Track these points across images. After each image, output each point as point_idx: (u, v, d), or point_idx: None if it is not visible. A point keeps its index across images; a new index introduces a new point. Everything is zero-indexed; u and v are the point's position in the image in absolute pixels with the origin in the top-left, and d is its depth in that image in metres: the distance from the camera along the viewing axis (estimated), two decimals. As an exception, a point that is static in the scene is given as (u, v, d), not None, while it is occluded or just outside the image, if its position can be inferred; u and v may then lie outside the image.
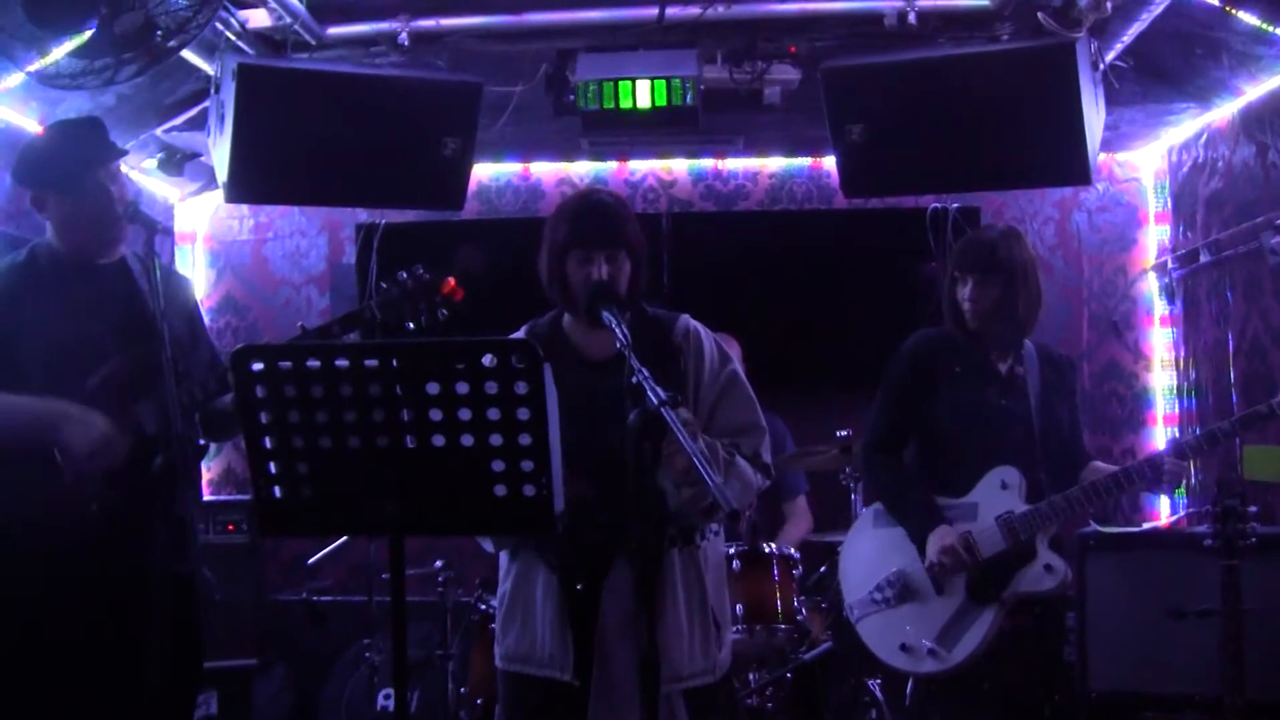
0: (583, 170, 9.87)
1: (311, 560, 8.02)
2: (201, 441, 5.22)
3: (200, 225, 9.95)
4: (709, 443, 4.40)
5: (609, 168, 9.85)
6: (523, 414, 3.39)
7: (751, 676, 6.74)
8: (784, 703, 6.85)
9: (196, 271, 9.77)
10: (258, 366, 3.46)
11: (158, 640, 4.55)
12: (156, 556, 4.51)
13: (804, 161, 9.74)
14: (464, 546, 7.95)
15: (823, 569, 7.41)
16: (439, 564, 7.53)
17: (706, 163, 9.80)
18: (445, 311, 5.05)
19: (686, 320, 4.77)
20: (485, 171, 9.66)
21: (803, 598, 6.89)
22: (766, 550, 6.74)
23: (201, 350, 5.26)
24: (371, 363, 3.40)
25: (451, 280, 5.04)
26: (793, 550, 6.92)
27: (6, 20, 5.12)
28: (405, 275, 5.04)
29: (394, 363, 3.40)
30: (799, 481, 8.25)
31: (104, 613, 4.63)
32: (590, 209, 4.68)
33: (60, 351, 4.75)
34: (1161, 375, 9.33)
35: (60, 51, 5.41)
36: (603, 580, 4.55)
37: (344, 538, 7.77)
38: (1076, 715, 6.17)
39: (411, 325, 5.01)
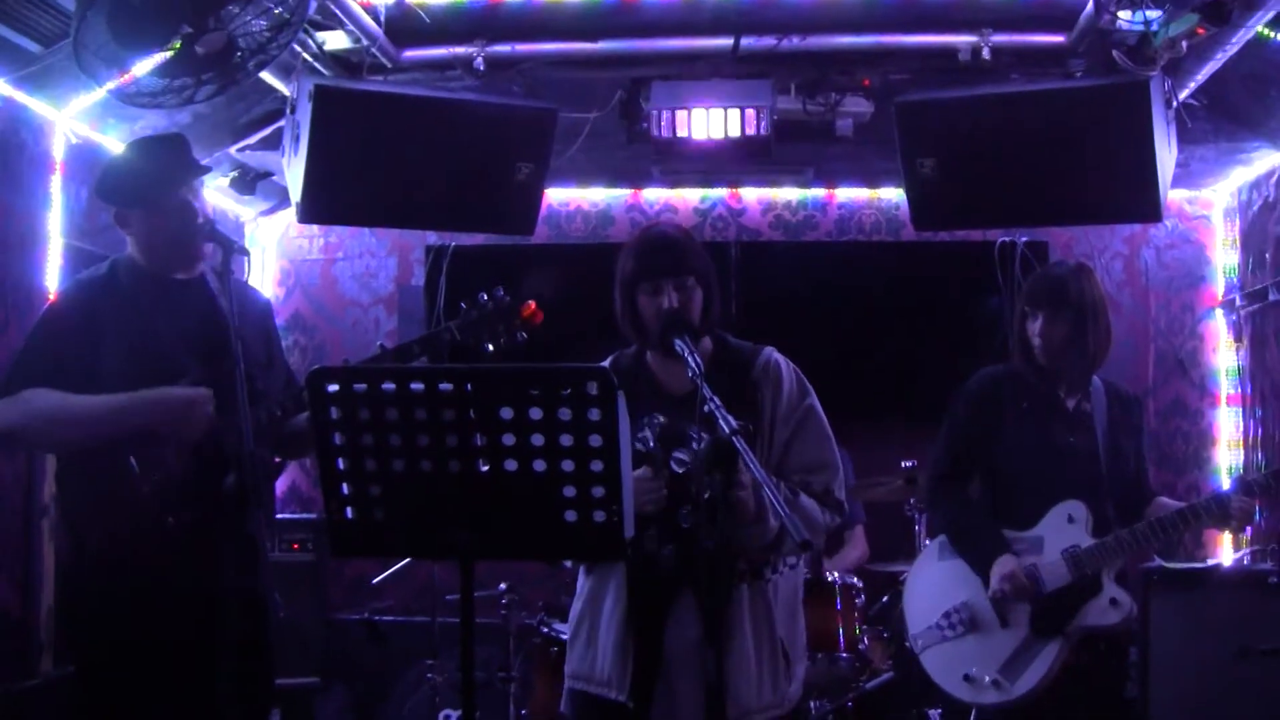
0: (653, 197, 9.92)
1: (376, 580, 8.05)
2: (276, 460, 5.25)
3: (271, 244, 10.03)
4: (773, 481, 4.38)
5: (679, 195, 9.88)
6: (595, 440, 3.38)
7: (813, 705, 6.75)
8: (845, 732, 6.87)
9: (265, 290, 9.81)
10: (333, 388, 3.48)
11: (228, 658, 4.58)
12: (227, 574, 4.54)
13: (873, 193, 9.77)
14: (528, 570, 8.00)
15: (885, 599, 7.41)
16: (503, 586, 7.55)
17: (776, 192, 9.83)
18: (524, 335, 5.07)
19: (769, 353, 4.74)
20: (555, 196, 9.71)
21: (865, 627, 6.90)
22: (830, 579, 6.76)
23: (277, 369, 5.28)
24: (446, 387, 3.40)
25: (532, 304, 5.05)
26: (856, 580, 6.93)
27: (90, 38, 5.16)
28: (485, 297, 5.06)
29: (468, 387, 3.40)
30: (857, 511, 8.25)
31: (176, 628, 4.65)
32: (654, 240, 4.69)
33: (138, 366, 4.76)
34: (1227, 412, 9.30)
35: (140, 70, 5.47)
36: (669, 609, 4.53)
37: (408, 559, 7.79)
38: (1138, 752, 6.14)
39: (490, 347, 5.03)
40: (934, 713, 6.96)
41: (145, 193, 4.91)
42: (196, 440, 4.70)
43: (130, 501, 4.64)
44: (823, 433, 4.70)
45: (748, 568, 4.52)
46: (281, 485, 9.69)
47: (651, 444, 4.50)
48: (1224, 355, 9.36)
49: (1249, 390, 8.97)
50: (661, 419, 4.53)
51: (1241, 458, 9.08)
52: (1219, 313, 9.32)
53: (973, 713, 5.77)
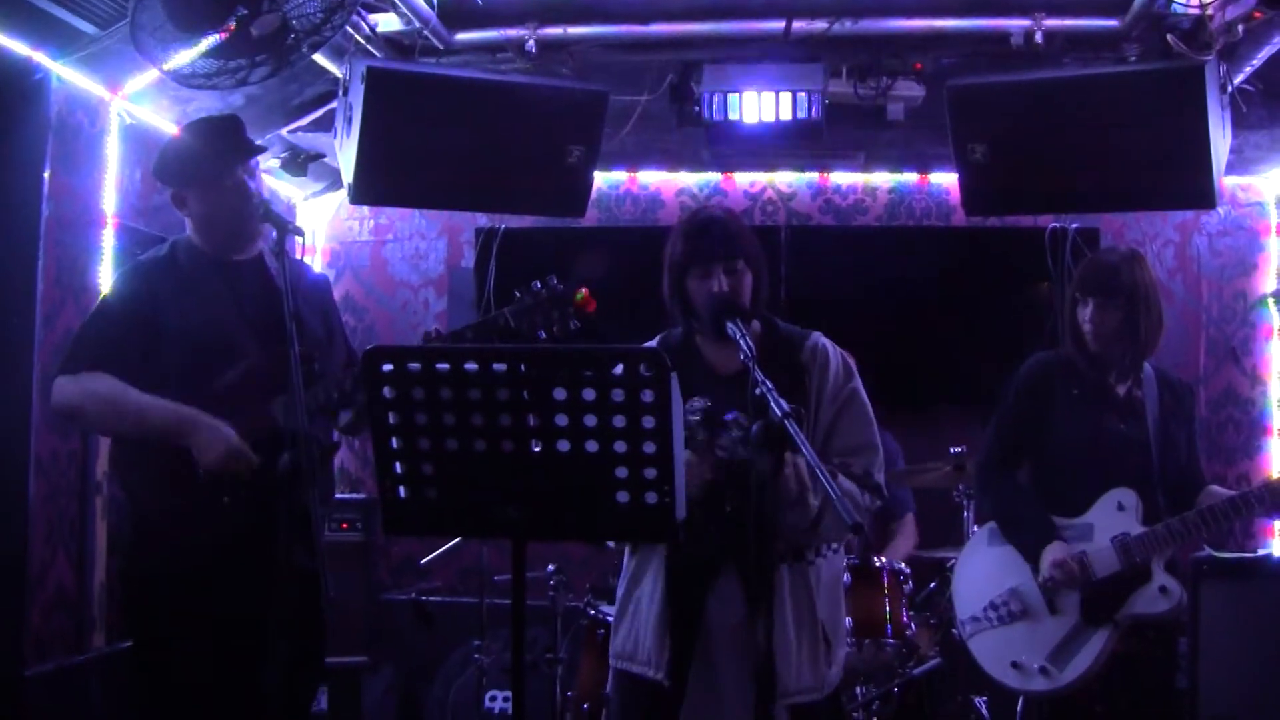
0: (703, 181, 9.90)
1: (424, 561, 8.08)
2: (335, 439, 5.28)
3: (321, 225, 10.05)
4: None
5: (729, 179, 9.87)
6: (648, 422, 3.39)
7: (859, 691, 6.74)
8: (890, 718, 6.84)
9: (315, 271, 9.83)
10: (387, 367, 3.50)
11: (280, 635, 4.61)
12: (281, 552, 4.57)
13: (924, 178, 9.73)
14: (575, 552, 8.01)
15: (933, 585, 7.39)
16: (551, 568, 7.57)
17: (827, 176, 9.80)
18: (577, 323, 5.09)
19: (817, 337, 4.78)
20: (605, 180, 9.72)
21: (912, 613, 6.88)
22: (877, 564, 6.73)
23: (337, 349, 5.32)
24: (500, 367, 3.41)
25: (585, 291, 5.07)
26: (903, 565, 6.92)
27: (146, 19, 5.19)
28: (539, 285, 5.08)
29: (522, 368, 3.41)
30: (907, 499, 8.22)
31: (230, 605, 4.70)
32: (704, 224, 4.71)
33: (198, 346, 4.84)
34: (1280, 402, 9.22)
35: (195, 51, 5.49)
36: (711, 586, 4.57)
37: (457, 539, 7.82)
38: (1186, 743, 6.11)
39: (543, 334, 5.05)
40: (980, 700, 6.94)
41: (201, 173, 4.97)
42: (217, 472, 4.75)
43: (187, 482, 4.69)
44: (865, 415, 4.72)
45: (788, 549, 4.54)
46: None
47: (695, 426, 4.50)
48: (1276, 342, 9.27)
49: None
50: (706, 401, 4.54)
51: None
52: (1271, 300, 9.24)
53: (1020, 700, 5.77)
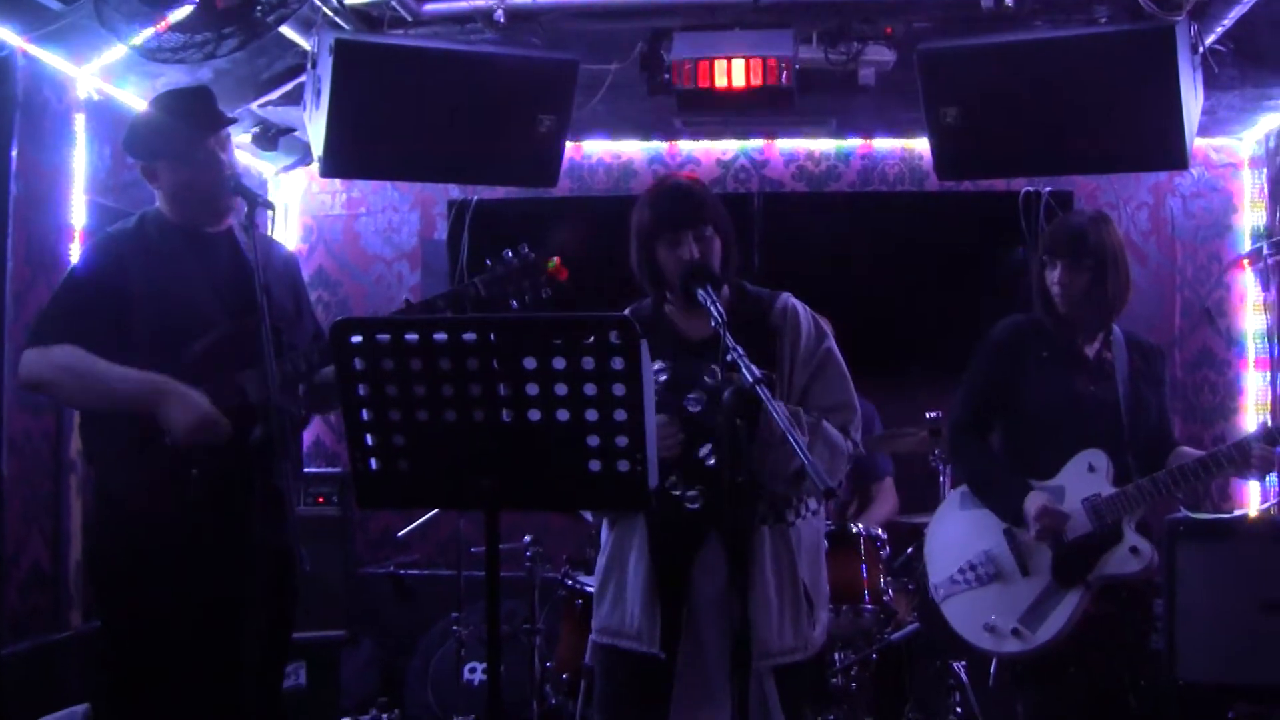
0: (675, 149, 9.87)
1: (401, 534, 8.09)
2: (303, 412, 5.27)
3: (293, 200, 10.04)
4: (791, 410, 4.40)
5: (701, 147, 9.84)
6: (619, 390, 3.39)
7: (837, 656, 6.73)
8: (869, 683, 6.84)
9: (288, 246, 9.78)
10: (356, 339, 3.49)
11: (255, 610, 4.60)
12: (255, 527, 4.56)
13: (896, 143, 9.70)
14: (552, 523, 8.00)
15: (910, 550, 7.39)
16: (528, 539, 7.56)
17: (799, 143, 9.78)
18: (549, 291, 5.09)
19: (786, 298, 4.78)
20: (578, 149, 9.69)
21: (889, 579, 6.89)
22: (854, 530, 6.73)
23: (305, 323, 5.30)
24: (469, 337, 3.41)
25: (557, 260, 5.07)
26: (880, 531, 6.92)
27: (111, -7, 5.18)
28: (511, 254, 5.08)
29: (492, 337, 3.41)
30: (885, 463, 8.23)
31: (202, 581, 4.67)
32: (670, 191, 4.72)
33: (166, 318, 4.80)
34: (1254, 364, 9.21)
35: (161, 25, 5.47)
36: (695, 556, 4.57)
37: (433, 512, 7.82)
38: (1163, 704, 6.12)
39: (515, 304, 5.05)
40: (958, 665, 6.95)
41: (172, 145, 4.93)
42: (188, 440, 4.72)
43: (152, 453, 4.66)
44: (840, 373, 4.74)
45: (770, 509, 4.57)
46: (306, 439, 9.69)
47: (661, 388, 4.52)
48: (1250, 304, 9.25)
49: (1275, 339, 8.88)
50: (667, 363, 4.57)
51: (1269, 407, 9.01)
52: (1246, 262, 9.24)
53: (994, 662, 5.77)
